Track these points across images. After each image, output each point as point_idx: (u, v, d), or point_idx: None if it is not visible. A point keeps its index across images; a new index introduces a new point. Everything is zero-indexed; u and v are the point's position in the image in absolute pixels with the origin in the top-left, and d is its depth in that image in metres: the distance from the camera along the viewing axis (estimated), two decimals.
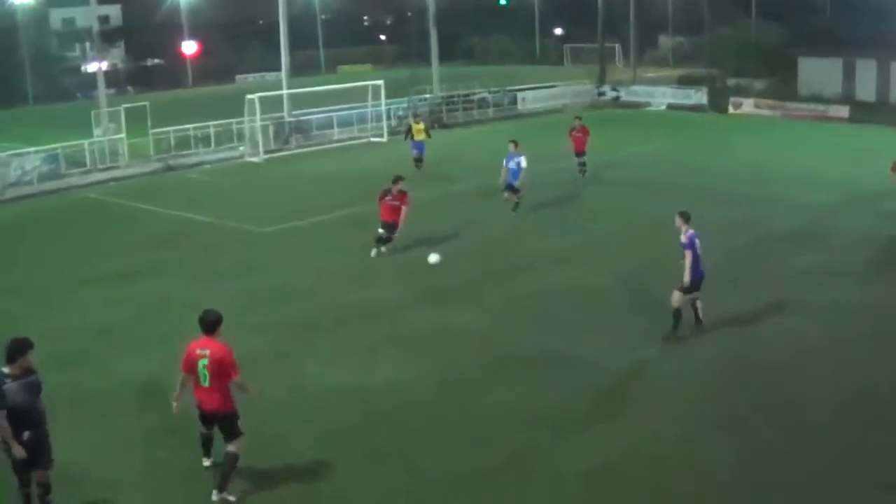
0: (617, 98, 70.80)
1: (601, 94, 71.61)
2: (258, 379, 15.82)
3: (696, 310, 20.26)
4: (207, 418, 14.42)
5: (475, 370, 19.05)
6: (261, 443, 15.02)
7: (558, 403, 17.33)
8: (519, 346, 20.35)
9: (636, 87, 73.06)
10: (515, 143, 32.66)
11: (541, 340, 20.54)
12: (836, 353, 19.28)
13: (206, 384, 13.94)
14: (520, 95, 67.19)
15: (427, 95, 62.38)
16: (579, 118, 40.26)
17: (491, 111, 63.55)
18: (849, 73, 68.67)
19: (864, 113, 60.00)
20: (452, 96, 63.92)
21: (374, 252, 27.89)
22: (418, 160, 41.87)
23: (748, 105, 64.06)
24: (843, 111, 60.85)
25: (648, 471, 14.76)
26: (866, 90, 67.44)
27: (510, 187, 32.13)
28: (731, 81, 71.52)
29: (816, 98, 64.38)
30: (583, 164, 38.79)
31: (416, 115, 50.64)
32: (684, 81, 74.87)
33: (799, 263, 25.87)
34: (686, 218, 20.04)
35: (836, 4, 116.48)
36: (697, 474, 14.59)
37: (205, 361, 13.85)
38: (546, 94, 69.25)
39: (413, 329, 21.61)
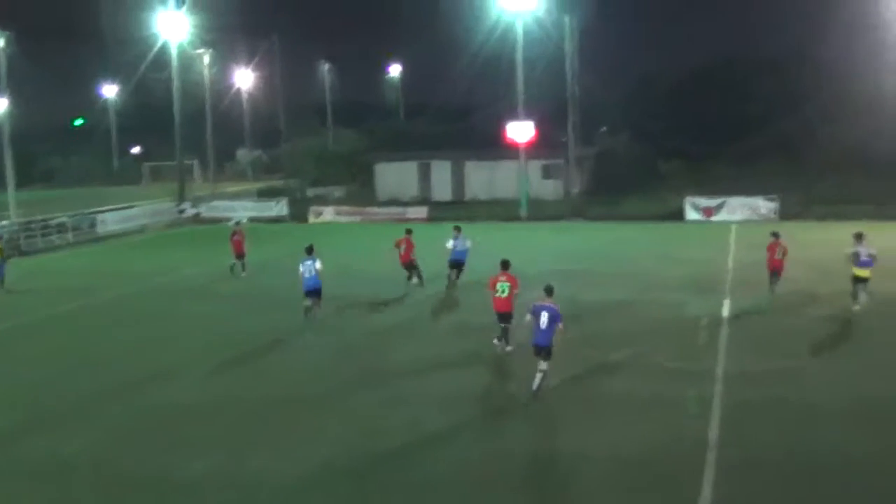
0: (197, 214, 68.75)
1: (181, 211, 69.38)
2: None
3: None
4: None
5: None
6: None
7: None
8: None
9: (216, 203, 71.31)
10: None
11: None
12: (456, 437, 19.32)
13: None
14: (99, 217, 63.73)
15: (4, 222, 57.94)
16: (238, 223, 42.04)
17: (71, 235, 59.64)
18: (425, 175, 70.72)
19: (441, 211, 61.49)
20: (31, 222, 59.59)
21: None
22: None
23: (329, 213, 63.98)
24: (422, 211, 61.99)
25: None
26: (442, 190, 69.65)
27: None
28: (311, 191, 71.57)
29: (395, 201, 65.48)
30: (242, 266, 40.49)
31: None
32: (264, 194, 74.16)
33: (402, 356, 25.66)
34: (547, 292, 21.94)
35: (410, 109, 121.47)
36: None
37: None
38: (126, 214, 65.93)
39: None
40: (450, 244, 34.35)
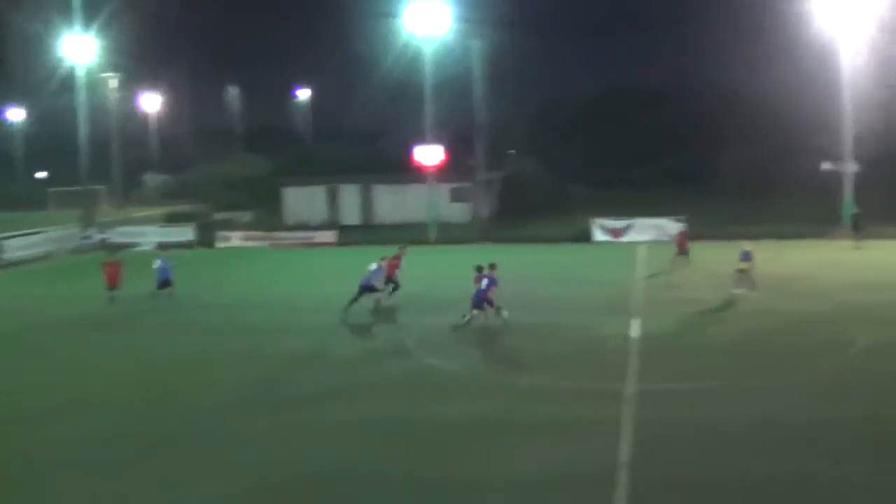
0: (104, 240, 67.60)
1: (88, 237, 68.23)
2: None
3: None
4: None
5: None
6: None
7: None
8: None
9: (124, 228, 70.24)
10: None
11: None
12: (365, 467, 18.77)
13: None
14: (3, 243, 62.22)
15: None
16: (114, 253, 41.94)
17: None
18: (333, 199, 70.66)
19: (350, 236, 61.41)
20: None
21: None
22: None
23: (236, 238, 63.44)
24: (331, 236, 61.79)
25: None
26: (351, 214, 69.63)
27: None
28: (219, 215, 70.95)
29: (303, 225, 65.21)
30: (112, 299, 38.77)
31: None
32: (172, 219, 73.28)
33: (308, 386, 25.18)
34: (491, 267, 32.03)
35: (319, 134, 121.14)
36: None
37: None
38: (31, 240, 64.49)
39: None
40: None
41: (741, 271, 37.44)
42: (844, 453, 18.55)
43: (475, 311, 31.45)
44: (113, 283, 39.00)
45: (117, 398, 24.65)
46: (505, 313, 31.91)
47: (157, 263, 39.73)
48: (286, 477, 18.31)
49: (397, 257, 37.55)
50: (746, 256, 37.61)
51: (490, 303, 31.67)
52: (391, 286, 36.52)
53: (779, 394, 23.21)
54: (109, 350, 31.02)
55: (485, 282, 31.45)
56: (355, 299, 34.48)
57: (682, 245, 46.32)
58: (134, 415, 23.00)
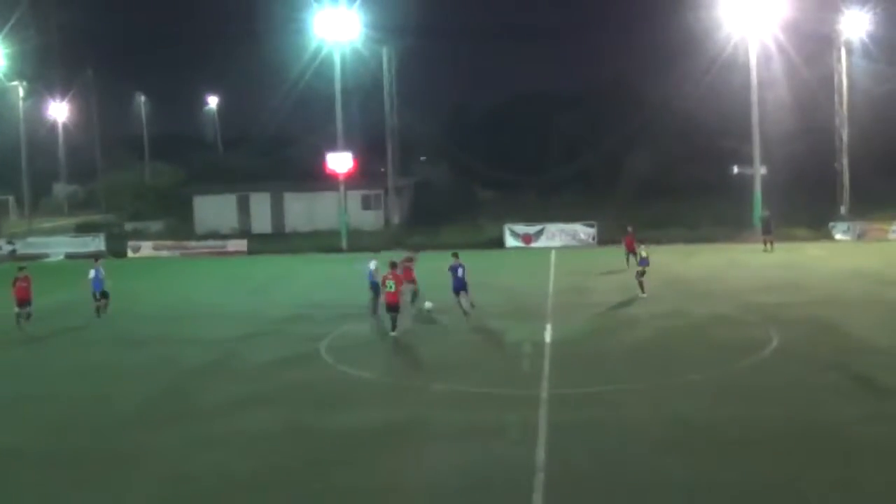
0: (13, 252, 66.63)
1: None
2: None
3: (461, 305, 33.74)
4: None
5: None
6: None
7: None
8: None
9: (33, 239, 69.41)
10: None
11: None
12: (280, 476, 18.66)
13: None
14: None
15: None
16: (23, 268, 37.45)
17: None
18: (244, 208, 70.56)
19: (261, 244, 61.40)
20: None
21: None
22: None
23: (147, 248, 63.09)
24: (242, 245, 61.70)
25: None
26: (261, 222, 69.55)
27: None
28: (129, 225, 70.42)
29: (214, 234, 65.00)
30: (28, 315, 35.57)
31: None
32: (82, 229, 72.58)
33: (220, 395, 24.88)
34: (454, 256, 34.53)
35: (229, 141, 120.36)
36: None
37: None
38: None
39: None
40: None
41: (643, 274, 38.34)
42: (751, 453, 18.86)
43: (463, 293, 33.99)
44: (23, 300, 35.89)
45: (26, 412, 24.46)
46: (429, 304, 34.51)
47: (91, 274, 37.75)
48: (199, 488, 18.28)
49: (410, 260, 37.33)
50: (643, 261, 38.39)
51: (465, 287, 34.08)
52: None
53: (689, 394, 23.50)
54: (18, 364, 30.78)
55: (460, 270, 33.76)
56: (375, 301, 34.90)
57: (629, 246, 45.42)
58: (44, 428, 22.77)
